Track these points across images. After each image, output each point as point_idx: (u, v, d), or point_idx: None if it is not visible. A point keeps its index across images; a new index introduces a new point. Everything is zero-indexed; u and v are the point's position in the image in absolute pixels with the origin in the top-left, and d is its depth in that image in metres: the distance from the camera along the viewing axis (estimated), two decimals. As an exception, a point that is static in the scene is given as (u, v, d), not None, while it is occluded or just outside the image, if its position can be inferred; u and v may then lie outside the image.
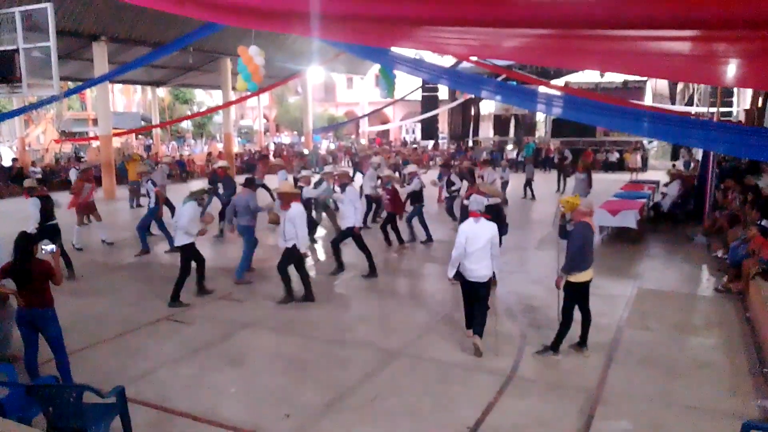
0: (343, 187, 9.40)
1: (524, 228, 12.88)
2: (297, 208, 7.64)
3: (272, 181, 13.57)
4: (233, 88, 21.27)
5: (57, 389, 4.25)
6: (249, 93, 22.83)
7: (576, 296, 5.94)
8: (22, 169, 21.51)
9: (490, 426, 4.69)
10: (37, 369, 5.23)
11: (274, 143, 36.51)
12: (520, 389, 5.34)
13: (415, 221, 11.53)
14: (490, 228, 6.10)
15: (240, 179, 10.25)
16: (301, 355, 6.26)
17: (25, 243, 5.10)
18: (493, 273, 6.22)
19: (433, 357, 6.06)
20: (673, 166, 20.37)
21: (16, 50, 8.17)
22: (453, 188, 12.53)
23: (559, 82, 27.20)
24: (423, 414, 4.90)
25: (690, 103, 28.44)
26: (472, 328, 6.19)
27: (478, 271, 6.04)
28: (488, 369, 5.73)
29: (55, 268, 5.11)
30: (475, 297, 6.19)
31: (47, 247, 5.21)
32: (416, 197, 11.50)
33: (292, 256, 7.72)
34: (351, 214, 8.91)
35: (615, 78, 27.73)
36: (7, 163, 22.53)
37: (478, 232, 6.02)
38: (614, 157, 27.04)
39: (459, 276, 6.22)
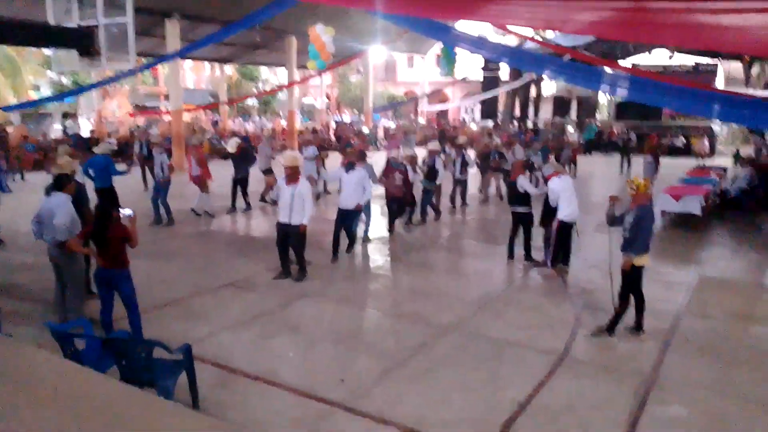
0: (351, 166, 8.95)
1: (584, 211, 12.68)
2: (305, 183, 7.66)
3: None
4: (301, 67, 21.55)
5: (130, 344, 4.56)
6: (314, 73, 23.16)
7: (633, 279, 5.86)
8: (98, 140, 22.64)
9: (541, 404, 4.73)
10: (112, 325, 5.62)
11: (335, 122, 36.85)
12: (573, 370, 5.34)
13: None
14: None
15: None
16: (357, 325, 6.46)
17: (106, 207, 5.46)
18: None
19: (486, 334, 6.12)
20: (737, 151, 19.45)
21: (96, 26, 8.61)
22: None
23: (626, 63, 26.18)
24: (474, 388, 4.98)
25: (766, 87, 26.85)
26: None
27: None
28: (541, 349, 5.75)
29: (132, 232, 5.44)
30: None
31: (126, 212, 5.55)
32: (431, 176, 11.34)
33: (302, 234, 7.70)
34: (359, 193, 8.79)
35: (685, 61, 26.50)
36: (85, 134, 23.79)
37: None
38: (680, 141, 25.98)
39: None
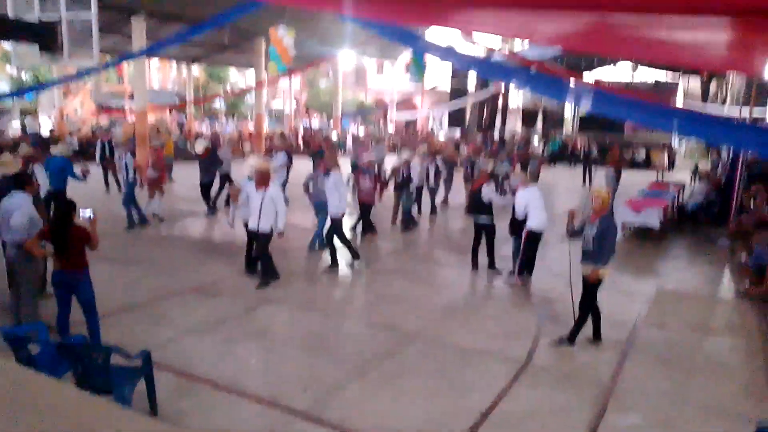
0: (327, 173, 8.89)
1: (548, 221, 12.90)
2: (274, 187, 7.63)
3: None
4: (265, 69, 21.44)
5: (86, 348, 4.43)
6: (280, 74, 23.00)
7: (593, 289, 5.98)
8: (59, 138, 22.02)
9: (503, 412, 4.78)
10: (68, 329, 5.45)
11: (303, 127, 36.69)
12: (535, 378, 5.41)
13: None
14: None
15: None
16: (321, 331, 6.42)
17: (65, 207, 5.31)
18: None
19: (451, 342, 6.15)
20: (696, 166, 20.11)
21: (59, 20, 8.39)
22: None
23: (591, 76, 26.86)
24: (438, 396, 5.00)
25: (723, 103, 27.88)
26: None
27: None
28: (504, 356, 5.81)
29: (91, 233, 5.30)
30: None
31: (86, 211, 5.40)
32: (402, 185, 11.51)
33: (268, 239, 7.66)
34: (335, 201, 8.61)
35: (646, 77, 27.31)
36: (45, 132, 23.10)
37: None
38: (641, 155, 26.72)
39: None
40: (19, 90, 24.86)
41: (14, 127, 27.27)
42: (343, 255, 9.03)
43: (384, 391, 5.06)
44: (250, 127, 31.87)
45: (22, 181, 6.15)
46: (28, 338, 4.40)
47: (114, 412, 3.37)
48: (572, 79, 12.72)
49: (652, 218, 10.88)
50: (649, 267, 9.62)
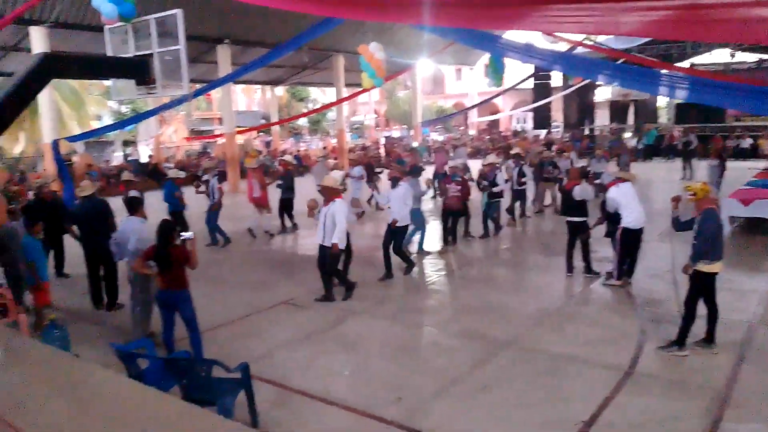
0: (394, 182, 8.88)
1: (646, 219, 12.28)
2: (339, 203, 7.46)
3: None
4: (348, 85, 21.82)
5: (190, 363, 4.65)
6: (361, 89, 23.40)
7: (702, 288, 5.58)
8: (157, 165, 23.50)
9: (606, 422, 4.53)
10: (173, 345, 5.75)
11: (384, 137, 37.08)
12: (639, 386, 5.10)
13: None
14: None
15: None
16: (410, 342, 6.39)
17: (166, 230, 5.63)
18: None
19: (545, 350, 5.93)
20: None
21: (151, 54, 8.95)
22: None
23: (684, 64, 25.31)
24: (534, 405, 4.82)
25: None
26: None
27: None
28: (604, 364, 5.52)
29: (191, 253, 5.58)
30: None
31: (186, 234, 5.69)
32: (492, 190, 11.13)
33: (336, 255, 7.54)
34: (397, 210, 8.53)
35: (748, 57, 25.36)
36: (144, 159, 24.74)
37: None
38: (747, 143, 24.79)
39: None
40: (120, 122, 26.75)
41: (117, 157, 29.42)
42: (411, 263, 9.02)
43: (477, 401, 4.94)
44: (333, 142, 32.59)
45: (133, 205, 6.70)
46: (138, 354, 4.66)
47: (218, 423, 3.50)
48: (663, 70, 12.06)
49: (764, 210, 10.06)
50: (764, 262, 8.87)
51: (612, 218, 7.86)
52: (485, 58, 29.88)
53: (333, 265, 7.63)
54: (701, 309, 5.67)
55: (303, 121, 43.90)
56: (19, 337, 5.08)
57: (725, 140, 23.39)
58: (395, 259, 8.72)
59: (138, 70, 8.94)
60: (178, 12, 8.55)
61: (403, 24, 15.75)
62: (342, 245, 7.46)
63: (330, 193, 7.48)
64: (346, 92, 25.67)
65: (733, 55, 25.18)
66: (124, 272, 6.78)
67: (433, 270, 9.20)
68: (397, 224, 8.55)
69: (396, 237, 8.69)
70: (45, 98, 16.15)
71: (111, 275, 7.69)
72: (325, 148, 30.07)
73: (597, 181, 9.96)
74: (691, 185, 5.73)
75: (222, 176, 11.58)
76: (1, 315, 5.22)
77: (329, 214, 7.41)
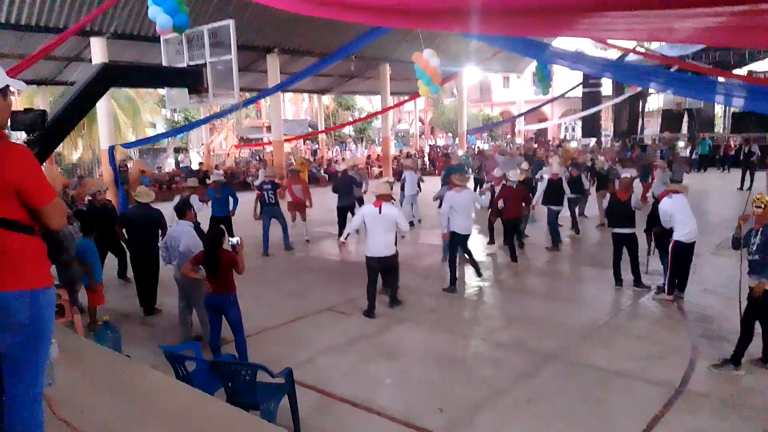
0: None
1: (700, 231, 11.89)
2: (391, 208, 7.44)
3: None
4: (394, 93, 21.87)
5: (235, 367, 4.72)
6: (409, 97, 23.47)
7: (761, 305, 5.34)
8: (207, 171, 24.11)
9: (655, 440, 4.39)
10: (219, 348, 5.86)
11: (429, 146, 37.06)
12: (691, 404, 4.91)
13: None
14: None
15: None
16: (454, 352, 6.33)
17: (215, 235, 5.76)
18: None
19: (591, 363, 5.79)
20: None
21: (204, 64, 9.21)
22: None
23: (741, 72, 24.40)
24: (580, 421, 4.71)
25: None
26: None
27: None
28: (654, 380, 5.35)
29: (239, 258, 5.69)
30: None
31: (233, 239, 5.82)
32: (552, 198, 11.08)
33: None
34: (460, 218, 8.46)
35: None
36: (195, 166, 25.46)
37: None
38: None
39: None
40: (173, 130, 27.62)
41: (169, 163, 30.36)
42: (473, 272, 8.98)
43: (521, 413, 4.86)
44: (378, 150, 32.78)
45: (182, 210, 6.89)
46: (185, 356, 4.77)
47: (262, 426, 3.56)
48: (719, 78, 11.66)
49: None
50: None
51: (664, 231, 7.62)
52: (533, 66, 29.56)
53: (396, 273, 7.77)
54: (757, 327, 5.44)
55: (348, 130, 44.33)
56: (75, 337, 5.30)
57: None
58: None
59: (191, 79, 9.21)
60: (230, 22, 8.77)
61: (451, 32, 15.71)
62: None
63: (381, 199, 7.43)
64: (391, 101, 25.78)
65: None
66: (170, 276, 6.95)
67: (476, 280, 9.09)
68: (460, 232, 8.50)
69: (460, 245, 8.70)
70: (103, 106, 16.80)
71: (152, 281, 7.84)
72: (369, 156, 30.25)
73: (649, 194, 9.72)
74: (761, 197, 5.50)
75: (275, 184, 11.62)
76: (58, 315, 5.42)
77: (386, 218, 7.29)
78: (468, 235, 8.65)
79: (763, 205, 5.40)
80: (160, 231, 7.91)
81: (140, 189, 8.33)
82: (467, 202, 8.54)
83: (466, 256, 9.04)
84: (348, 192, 11.85)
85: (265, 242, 11.29)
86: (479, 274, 9.01)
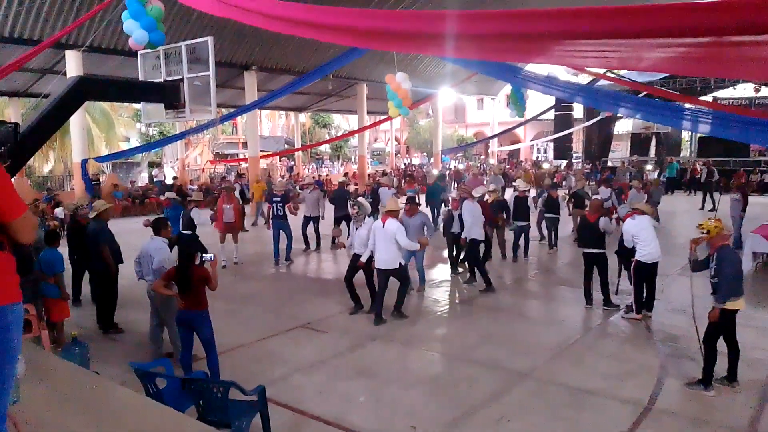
0: (461, 201, 9.74)
1: (666, 252, 12.11)
2: (392, 223, 7.74)
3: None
4: (371, 112, 22.11)
5: (207, 384, 4.68)
6: (384, 117, 23.67)
7: (723, 326, 5.49)
8: (181, 186, 23.88)
9: (624, 458, 4.46)
10: (191, 365, 5.79)
11: (404, 164, 37.32)
12: (659, 422, 5.01)
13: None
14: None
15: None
16: (428, 370, 6.36)
17: (188, 251, 5.73)
18: None
19: (563, 381, 5.87)
20: None
21: (181, 80, 9.18)
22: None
23: (707, 98, 25.22)
24: (551, 439, 4.76)
25: None
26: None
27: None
28: (623, 398, 5.44)
29: (211, 275, 5.66)
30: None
31: (207, 256, 5.79)
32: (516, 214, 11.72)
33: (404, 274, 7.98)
34: (469, 226, 9.33)
35: (772, 92, 25.25)
36: (169, 181, 25.21)
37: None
38: (770, 178, 24.53)
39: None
40: (148, 144, 27.34)
41: (143, 177, 30.00)
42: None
43: (494, 432, 4.90)
44: (353, 168, 32.89)
45: (158, 226, 6.82)
46: (156, 374, 4.71)
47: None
48: (686, 104, 12.04)
49: (788, 246, 9.89)
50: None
51: (626, 250, 7.84)
52: (507, 88, 30.12)
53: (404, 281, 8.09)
54: (722, 346, 5.58)
55: (325, 147, 44.42)
56: (41, 352, 5.19)
57: (749, 175, 23.15)
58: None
59: (168, 95, 9.15)
60: (209, 39, 8.78)
61: (426, 55, 15.95)
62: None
63: (389, 215, 7.82)
64: (368, 120, 25.98)
65: (757, 90, 25.08)
66: (143, 291, 6.86)
67: (446, 298, 9.15)
68: (474, 238, 9.32)
69: (475, 251, 9.46)
70: (76, 119, 16.58)
71: (108, 297, 7.64)
72: (345, 174, 30.33)
73: (615, 215, 10.00)
74: (704, 223, 5.69)
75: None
76: (25, 330, 5.31)
77: (387, 233, 7.65)
78: (481, 241, 9.58)
79: (706, 231, 5.59)
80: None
81: (96, 202, 8.15)
82: (474, 212, 9.38)
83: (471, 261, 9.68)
84: (343, 203, 12.61)
85: (275, 253, 11.71)
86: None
